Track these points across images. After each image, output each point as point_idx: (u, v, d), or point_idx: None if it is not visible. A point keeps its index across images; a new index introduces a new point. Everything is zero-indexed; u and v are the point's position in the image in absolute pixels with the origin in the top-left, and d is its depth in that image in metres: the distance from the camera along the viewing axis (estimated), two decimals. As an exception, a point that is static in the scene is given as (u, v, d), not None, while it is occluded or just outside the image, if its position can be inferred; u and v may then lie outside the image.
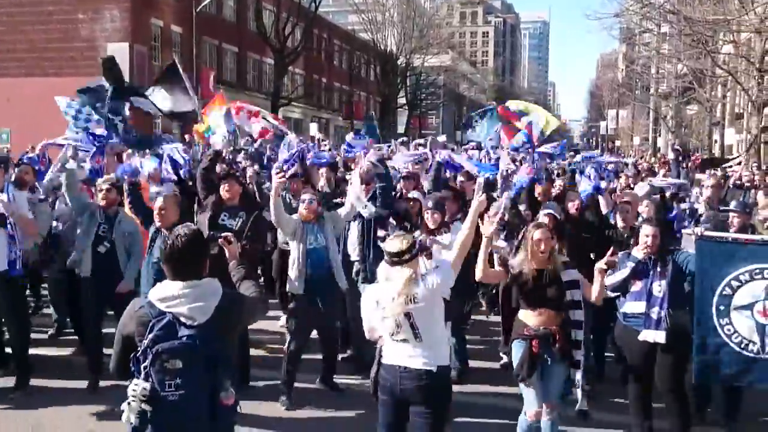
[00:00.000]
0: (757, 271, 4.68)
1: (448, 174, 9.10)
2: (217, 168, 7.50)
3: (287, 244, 6.44)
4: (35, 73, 27.15)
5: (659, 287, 4.90)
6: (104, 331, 6.59)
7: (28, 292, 7.54)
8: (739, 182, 11.96)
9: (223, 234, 3.57)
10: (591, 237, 6.18)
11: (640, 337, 4.94)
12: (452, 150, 10.64)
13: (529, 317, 4.65)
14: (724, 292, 4.72)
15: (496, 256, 5.06)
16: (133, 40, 27.38)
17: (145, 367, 2.76)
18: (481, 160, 10.60)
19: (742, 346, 4.70)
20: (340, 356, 6.76)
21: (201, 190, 6.56)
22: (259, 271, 8.24)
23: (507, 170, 7.68)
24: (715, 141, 28.93)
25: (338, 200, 7.21)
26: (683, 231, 5.36)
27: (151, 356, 2.75)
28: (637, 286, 5.02)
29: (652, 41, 36.36)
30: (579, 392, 5.46)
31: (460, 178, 8.49)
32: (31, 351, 6.25)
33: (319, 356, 6.18)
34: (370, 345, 6.32)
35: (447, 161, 8.84)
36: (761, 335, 4.65)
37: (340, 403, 5.82)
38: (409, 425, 3.89)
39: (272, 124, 10.98)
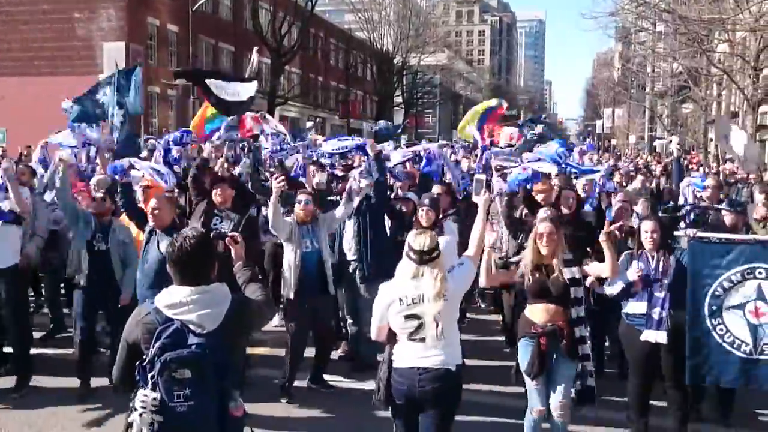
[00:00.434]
0: (749, 270, 4.68)
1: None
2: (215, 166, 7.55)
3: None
4: (31, 73, 27.11)
5: (660, 287, 4.91)
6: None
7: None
8: (732, 180, 12.03)
9: (230, 233, 3.44)
10: (587, 236, 6.20)
11: (642, 338, 4.96)
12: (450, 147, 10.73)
13: (535, 314, 4.66)
14: (716, 293, 4.72)
15: (494, 257, 5.06)
16: (129, 39, 27.36)
17: (152, 377, 2.64)
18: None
19: (735, 346, 4.70)
20: (336, 356, 6.81)
21: (193, 196, 6.56)
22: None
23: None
24: (711, 139, 29.00)
25: (333, 198, 7.27)
26: (675, 233, 5.36)
27: (158, 365, 2.62)
28: (637, 285, 5.02)
29: (647, 40, 36.44)
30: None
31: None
32: (31, 350, 6.26)
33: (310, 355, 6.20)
34: (368, 345, 6.42)
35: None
36: (753, 335, 4.66)
37: (336, 403, 5.84)
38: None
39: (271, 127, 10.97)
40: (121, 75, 8.59)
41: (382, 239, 6.58)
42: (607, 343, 6.78)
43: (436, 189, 7.17)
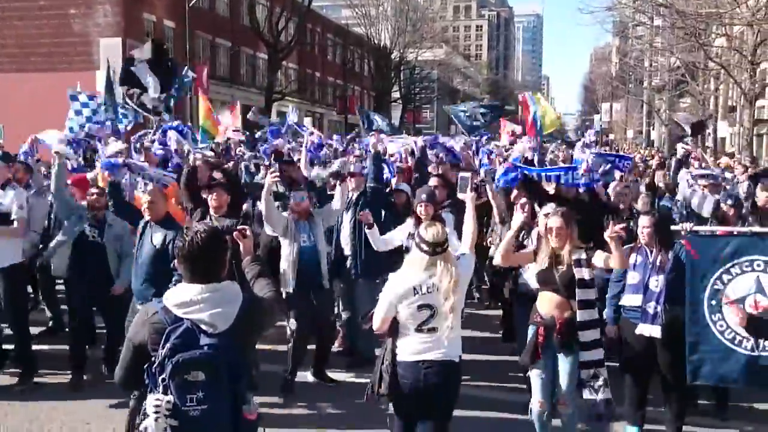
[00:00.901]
0: (747, 263, 4.62)
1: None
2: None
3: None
4: (27, 69, 27.04)
5: (656, 282, 4.90)
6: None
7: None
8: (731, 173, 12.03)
9: (239, 227, 3.31)
10: (588, 218, 6.17)
11: (637, 331, 4.98)
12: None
13: (541, 302, 4.67)
14: (715, 287, 4.65)
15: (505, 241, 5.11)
16: (126, 35, 27.30)
17: (163, 380, 2.52)
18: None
19: (736, 342, 4.62)
20: (335, 350, 6.82)
21: (187, 201, 6.47)
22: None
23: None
24: (708, 134, 29.01)
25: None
26: (672, 227, 5.36)
27: (170, 368, 2.50)
28: (634, 278, 5.04)
29: (645, 34, 36.40)
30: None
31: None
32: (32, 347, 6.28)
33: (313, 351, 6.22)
34: (366, 340, 6.44)
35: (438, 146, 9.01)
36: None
37: (337, 398, 5.85)
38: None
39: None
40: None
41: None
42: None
43: (432, 182, 7.19)
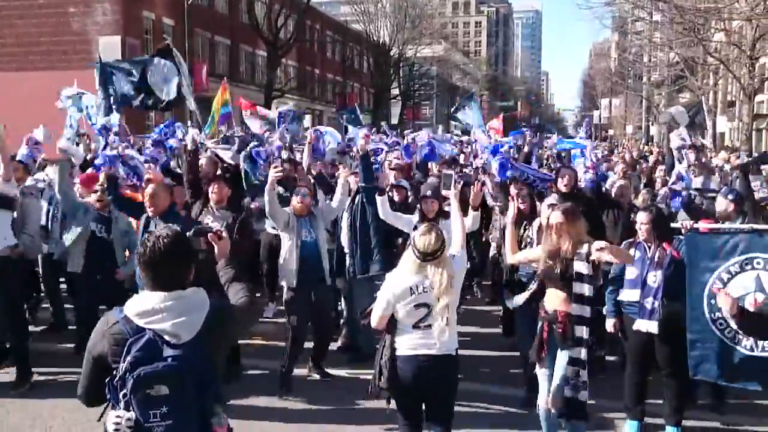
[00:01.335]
0: (747, 261, 4.59)
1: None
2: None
3: (275, 228, 6.52)
4: (26, 68, 26.95)
5: (654, 277, 4.91)
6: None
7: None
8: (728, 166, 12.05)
9: (214, 228, 3.12)
10: (588, 213, 6.19)
11: (634, 327, 5.00)
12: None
13: (548, 298, 4.66)
14: (715, 285, 4.63)
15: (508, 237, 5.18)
16: (125, 33, 27.28)
17: (124, 395, 2.36)
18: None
19: (735, 341, 4.60)
20: (335, 347, 6.85)
21: (188, 196, 6.55)
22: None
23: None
24: (706, 129, 29.02)
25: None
26: (672, 224, 5.36)
27: (131, 382, 2.35)
28: (632, 273, 5.05)
29: (644, 30, 36.35)
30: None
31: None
32: (33, 345, 6.28)
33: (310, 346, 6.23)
34: (366, 336, 6.47)
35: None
36: None
37: (336, 394, 5.87)
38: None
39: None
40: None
41: (369, 238, 6.62)
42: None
43: (433, 179, 7.23)
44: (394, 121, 52.39)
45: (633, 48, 45.05)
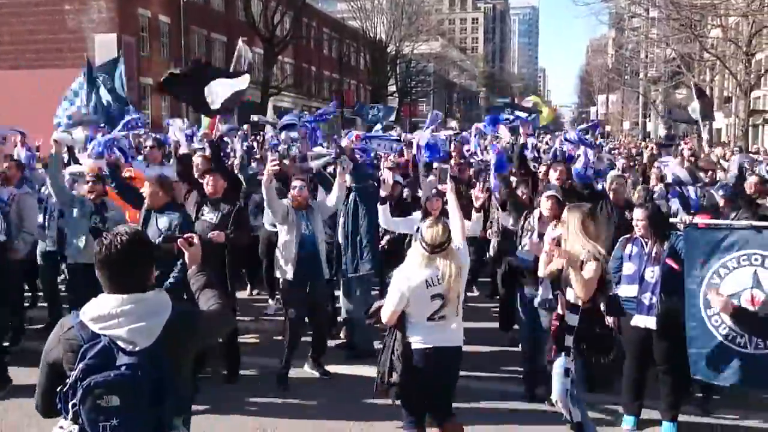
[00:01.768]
0: (745, 257, 4.56)
1: None
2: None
3: (274, 225, 6.51)
4: (21, 66, 26.92)
5: (651, 273, 4.91)
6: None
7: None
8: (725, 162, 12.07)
9: (185, 234, 2.92)
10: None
11: (632, 323, 4.99)
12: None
13: (562, 300, 4.59)
14: (712, 281, 4.61)
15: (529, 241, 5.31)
16: (121, 30, 27.22)
17: (74, 405, 2.21)
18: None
19: (730, 338, 4.56)
20: (333, 343, 6.84)
21: (184, 188, 6.55)
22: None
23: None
24: (705, 125, 29.06)
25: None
26: (671, 220, 5.37)
27: (80, 391, 2.20)
28: (630, 269, 5.05)
29: (640, 26, 36.41)
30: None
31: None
32: (30, 344, 6.25)
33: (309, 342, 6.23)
34: (363, 332, 6.47)
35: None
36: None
37: (334, 390, 5.87)
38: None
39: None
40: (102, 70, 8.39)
41: (361, 238, 6.62)
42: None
43: (433, 178, 7.24)
44: (391, 118, 52.35)
45: (630, 44, 45.13)
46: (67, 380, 2.26)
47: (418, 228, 5.43)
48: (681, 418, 5.10)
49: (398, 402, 4.14)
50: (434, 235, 3.94)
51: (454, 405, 4.29)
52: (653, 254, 4.95)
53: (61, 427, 2.27)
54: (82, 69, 7.98)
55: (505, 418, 5.28)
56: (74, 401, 2.21)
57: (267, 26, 34.16)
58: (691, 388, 5.57)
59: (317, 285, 6.00)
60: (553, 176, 6.45)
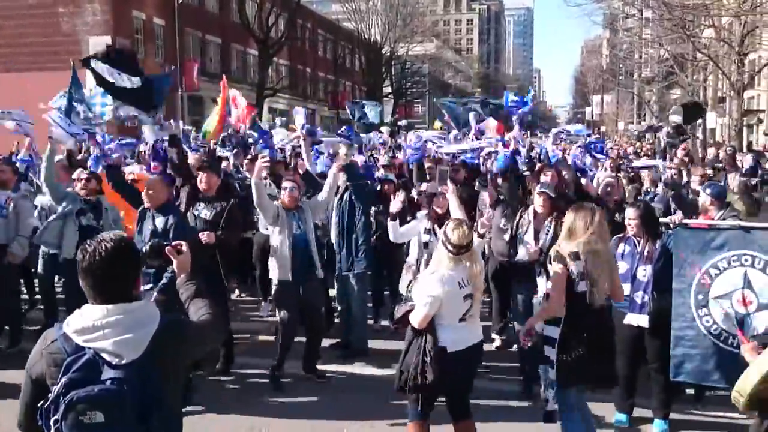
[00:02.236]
0: (735, 257, 4.57)
1: None
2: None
3: (267, 229, 6.53)
4: (16, 69, 26.87)
5: (644, 271, 4.94)
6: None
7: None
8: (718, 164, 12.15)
9: (173, 242, 2.84)
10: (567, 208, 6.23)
11: (625, 321, 5.02)
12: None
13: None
14: (702, 281, 4.62)
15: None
16: (115, 33, 27.15)
17: (55, 422, 2.10)
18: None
19: (722, 339, 4.58)
20: (327, 342, 6.86)
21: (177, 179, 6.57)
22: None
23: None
24: (699, 125, 29.17)
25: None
26: (661, 219, 5.40)
27: (62, 407, 2.09)
28: (622, 268, 5.04)
29: (634, 27, 36.54)
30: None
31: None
32: (29, 345, 6.23)
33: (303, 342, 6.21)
34: (358, 332, 6.50)
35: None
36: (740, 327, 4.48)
37: (329, 390, 5.88)
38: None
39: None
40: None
41: (357, 236, 6.64)
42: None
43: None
44: (387, 119, 52.39)
45: (624, 45, 45.28)
46: (49, 395, 2.15)
47: (428, 230, 5.63)
48: (673, 415, 5.13)
49: (412, 396, 4.11)
50: (461, 236, 4.02)
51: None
52: (645, 253, 4.98)
53: None
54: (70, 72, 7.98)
55: (500, 416, 5.30)
56: (56, 417, 2.10)
57: (261, 28, 34.14)
58: (682, 386, 5.62)
59: (310, 286, 5.97)
60: (544, 180, 6.49)
